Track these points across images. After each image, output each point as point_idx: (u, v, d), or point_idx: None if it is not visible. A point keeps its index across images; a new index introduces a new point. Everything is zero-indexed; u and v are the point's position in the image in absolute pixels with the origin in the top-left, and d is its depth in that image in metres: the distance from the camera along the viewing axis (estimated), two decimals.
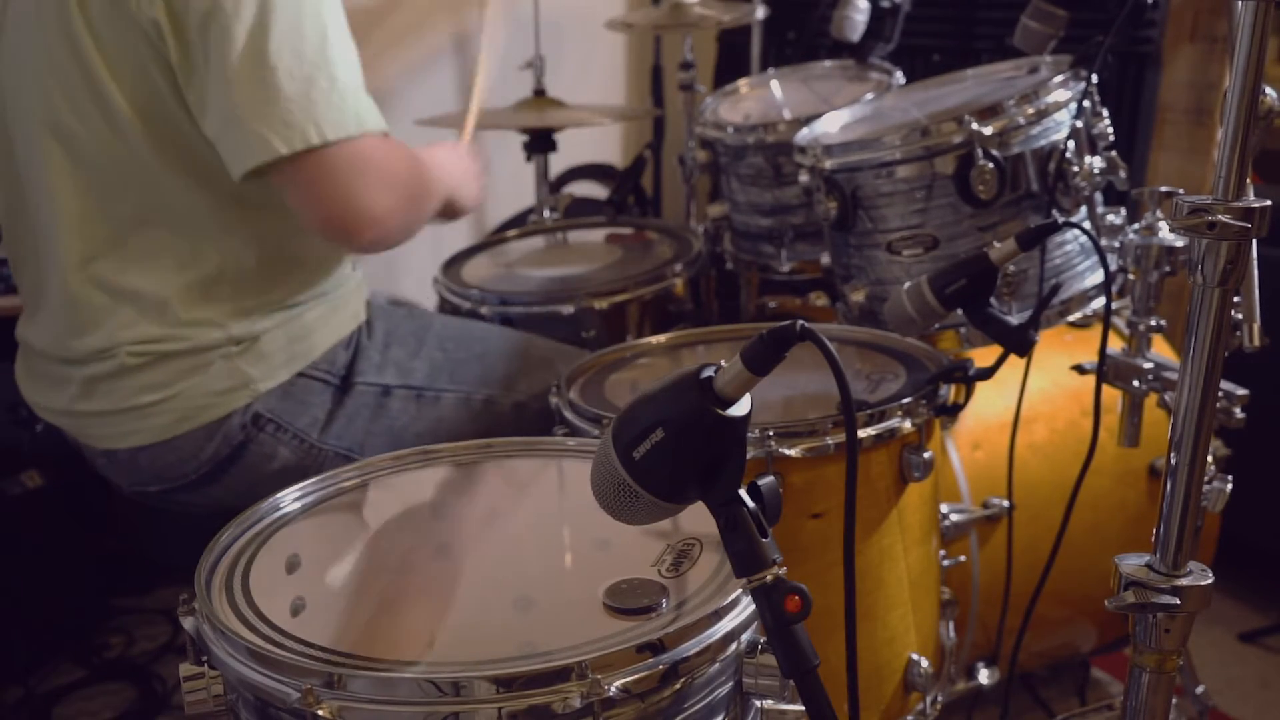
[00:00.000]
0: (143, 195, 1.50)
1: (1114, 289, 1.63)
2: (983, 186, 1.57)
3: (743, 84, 2.40)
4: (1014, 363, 1.41)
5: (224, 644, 0.96)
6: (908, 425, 1.36)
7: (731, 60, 3.19)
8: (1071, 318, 1.67)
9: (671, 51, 3.13)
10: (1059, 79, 1.63)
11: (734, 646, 0.96)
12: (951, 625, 1.58)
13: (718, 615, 0.95)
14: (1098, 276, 1.66)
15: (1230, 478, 1.52)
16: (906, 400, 1.37)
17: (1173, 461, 0.94)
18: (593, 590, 1.00)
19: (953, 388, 1.43)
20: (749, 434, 1.19)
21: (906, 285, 1.41)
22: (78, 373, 1.56)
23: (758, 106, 2.29)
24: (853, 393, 0.94)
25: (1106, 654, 2.04)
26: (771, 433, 1.30)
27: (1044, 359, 1.74)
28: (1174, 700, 1.11)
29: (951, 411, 1.44)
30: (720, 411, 0.85)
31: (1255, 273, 1.28)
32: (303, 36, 1.42)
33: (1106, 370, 1.52)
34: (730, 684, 0.97)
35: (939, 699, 1.48)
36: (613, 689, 0.88)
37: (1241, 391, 1.50)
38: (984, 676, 1.73)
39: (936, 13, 2.68)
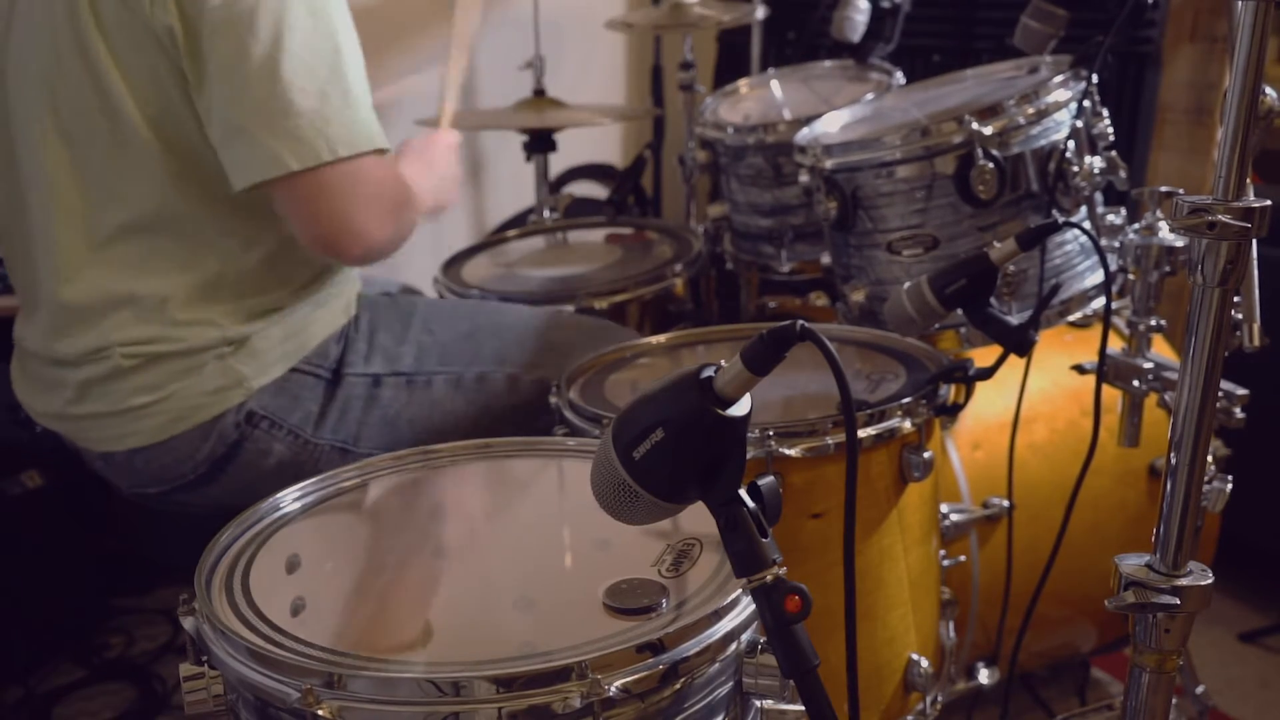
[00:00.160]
0: (145, 200, 1.50)
1: (1114, 289, 1.63)
2: (983, 186, 1.57)
3: (743, 84, 2.40)
4: (1014, 363, 1.41)
5: (224, 644, 0.96)
6: (908, 425, 1.36)
7: (731, 60, 3.19)
8: (1071, 318, 1.67)
9: (671, 51, 3.13)
10: (1059, 79, 1.63)
11: (734, 646, 0.96)
12: (951, 625, 1.58)
13: (718, 615, 0.95)
14: (1098, 276, 1.66)
15: (1230, 478, 1.52)
16: (906, 400, 1.37)
17: (1173, 461, 0.94)
18: (593, 590, 1.00)
19: (953, 388, 1.43)
20: (749, 434, 1.19)
21: (906, 285, 1.41)
22: (72, 375, 1.56)
23: (758, 106, 2.29)
24: (853, 393, 0.94)
25: (1106, 654, 2.04)
26: (771, 433, 1.30)
27: (1044, 359, 1.74)
28: (1174, 700, 1.11)
29: (951, 411, 1.44)
30: (720, 411, 0.85)
31: (1255, 273, 1.28)
32: (317, 51, 1.42)
33: (1106, 370, 1.52)
34: (730, 684, 0.97)
35: (939, 699, 1.48)
36: (613, 689, 0.88)
37: (1241, 391, 1.50)
38: (984, 676, 1.73)
39: (936, 13, 2.68)
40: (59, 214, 1.51)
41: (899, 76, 2.15)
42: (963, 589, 1.71)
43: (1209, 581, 0.95)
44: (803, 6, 2.82)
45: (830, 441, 1.32)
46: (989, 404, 1.75)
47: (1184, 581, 0.95)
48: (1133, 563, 0.97)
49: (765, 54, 2.92)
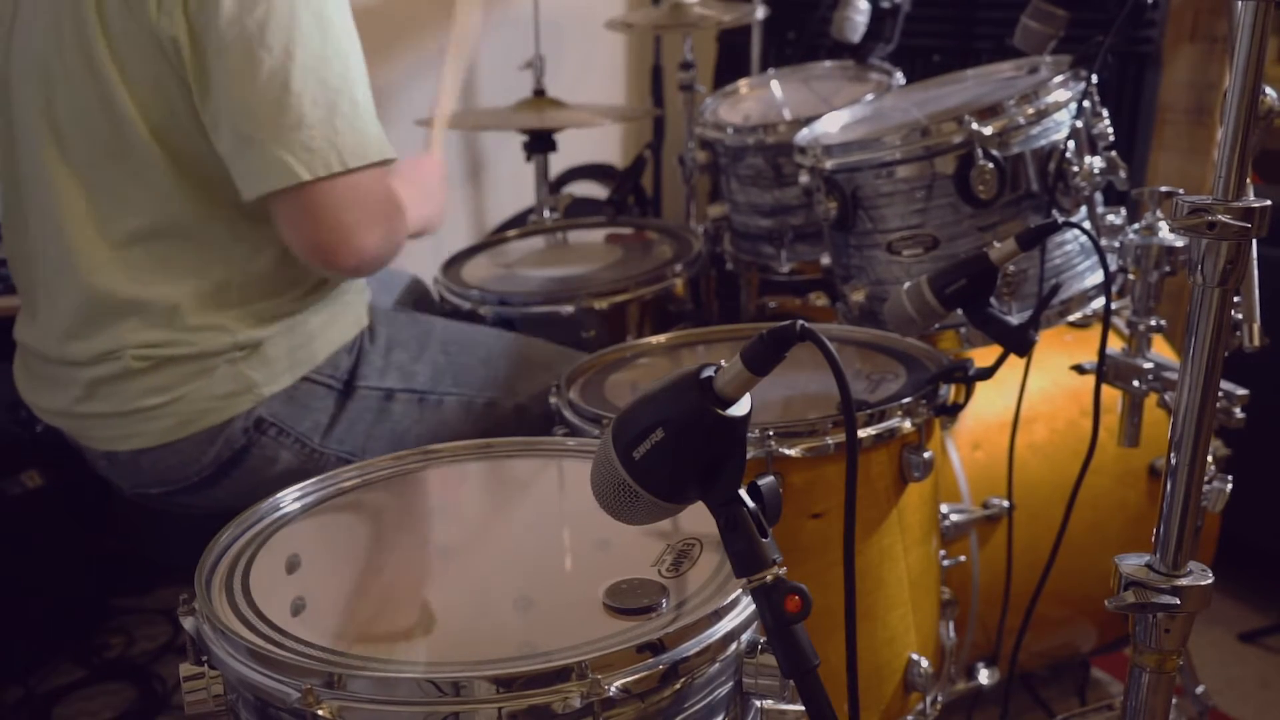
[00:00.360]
0: (152, 206, 1.50)
1: (1114, 289, 1.64)
2: (983, 186, 1.57)
3: (743, 84, 2.40)
4: (1014, 363, 1.41)
5: (224, 644, 0.96)
6: (908, 425, 1.36)
7: (731, 60, 3.19)
8: (1071, 318, 1.67)
9: (671, 51, 3.13)
10: (1059, 79, 1.63)
11: (734, 646, 0.96)
12: (951, 625, 1.58)
13: (718, 615, 0.95)
14: (1098, 276, 1.66)
15: (1230, 478, 1.52)
16: (906, 400, 1.37)
17: (1173, 461, 0.94)
18: (593, 590, 1.00)
19: (953, 388, 1.43)
20: (749, 434, 1.19)
21: (906, 285, 1.41)
22: (81, 375, 1.56)
23: (758, 107, 2.29)
24: (853, 393, 0.94)
25: (1106, 654, 2.04)
26: (771, 433, 1.30)
27: (1044, 359, 1.74)
28: (1174, 700, 1.11)
29: (951, 411, 1.44)
30: (720, 411, 0.85)
31: (1255, 273, 1.28)
32: (326, 62, 1.42)
33: (1106, 370, 1.52)
34: (730, 684, 0.97)
35: (939, 699, 1.48)
36: (613, 689, 0.88)
37: (1241, 391, 1.50)
38: (984, 676, 1.73)
39: (936, 13, 2.68)
40: (64, 219, 1.51)
41: (899, 76, 2.15)
42: (963, 589, 1.71)
43: (1209, 581, 0.95)
44: (803, 6, 2.83)
45: (830, 441, 1.32)
46: (989, 404, 1.75)
47: (1184, 581, 0.95)
48: (1133, 563, 0.97)
49: (765, 54, 2.92)
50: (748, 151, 2.09)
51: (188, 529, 1.35)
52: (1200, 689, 1.83)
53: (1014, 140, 1.60)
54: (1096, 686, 2.10)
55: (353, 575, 1.13)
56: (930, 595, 1.49)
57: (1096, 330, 1.78)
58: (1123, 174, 1.62)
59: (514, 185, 2.92)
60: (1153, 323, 1.54)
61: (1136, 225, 1.55)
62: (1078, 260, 1.65)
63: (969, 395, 1.44)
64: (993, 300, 1.38)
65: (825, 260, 2.02)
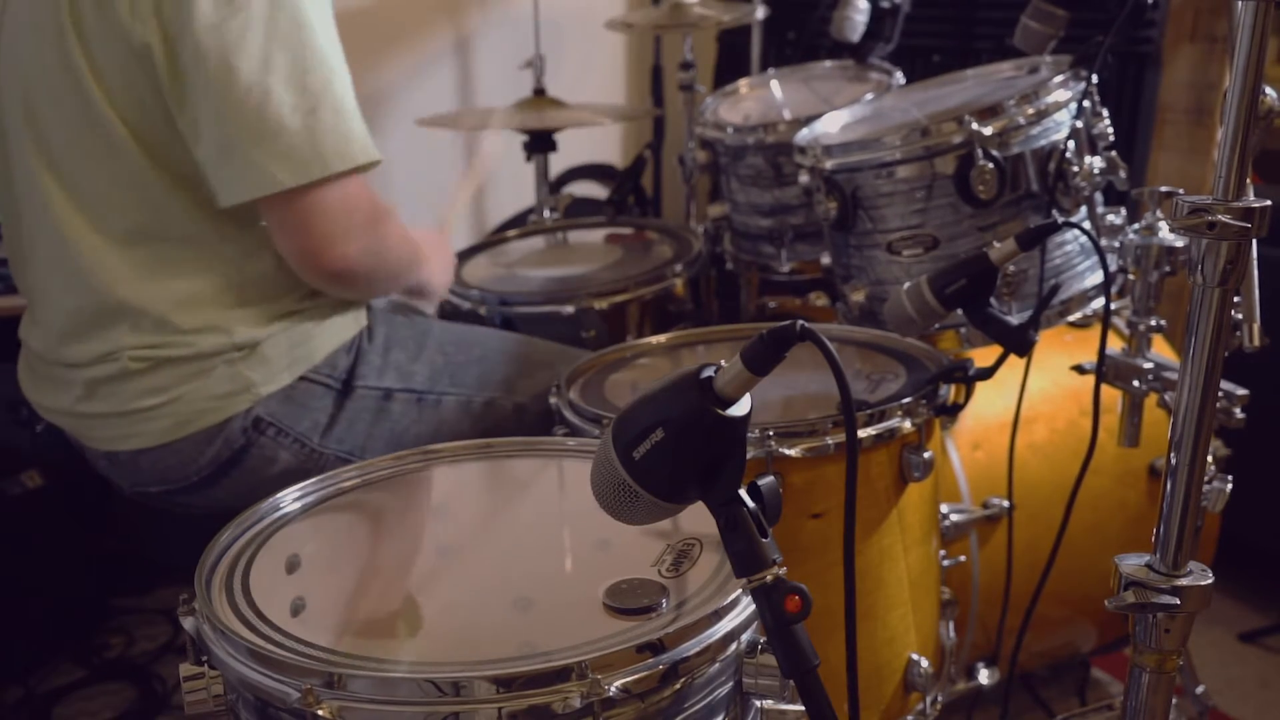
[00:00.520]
0: (141, 208, 1.49)
1: (1114, 289, 1.63)
2: (983, 186, 1.57)
3: (743, 84, 2.40)
4: (1014, 363, 1.41)
5: (224, 644, 0.96)
6: (908, 425, 1.36)
7: (731, 60, 3.19)
8: (1071, 318, 1.67)
9: (671, 51, 3.13)
10: (1059, 79, 1.63)
11: (734, 646, 0.96)
12: (951, 625, 1.58)
13: (718, 615, 0.95)
14: (1098, 276, 1.66)
15: (1230, 478, 1.52)
16: (906, 400, 1.37)
17: (1173, 461, 0.94)
18: (593, 590, 1.00)
19: (953, 388, 1.43)
20: (749, 434, 1.19)
21: (906, 285, 1.41)
22: (80, 375, 1.56)
23: (758, 107, 2.29)
24: (853, 393, 0.94)
25: (1106, 654, 2.04)
26: (771, 433, 1.30)
27: (1044, 359, 1.74)
28: (1174, 700, 1.11)
29: (951, 411, 1.44)
30: (720, 411, 0.85)
31: (1255, 273, 1.28)
32: (306, 68, 1.41)
33: (1106, 370, 1.52)
34: (730, 684, 0.97)
35: (939, 699, 1.48)
36: (613, 689, 0.88)
37: (1241, 391, 1.50)
38: (984, 676, 1.73)
39: (936, 13, 2.68)
40: (56, 222, 1.50)
41: (899, 76, 2.15)
42: (963, 589, 1.71)
43: (1209, 581, 0.95)
44: (803, 6, 2.82)
45: (830, 441, 1.32)
46: (989, 404, 1.75)
47: (1184, 581, 0.95)
48: (1133, 563, 0.97)
49: (765, 54, 2.92)
50: (748, 151, 2.09)
51: (188, 529, 1.35)
52: (1200, 689, 1.83)
53: (1014, 140, 1.60)
54: (1096, 686, 2.10)
55: (352, 575, 1.13)
56: (930, 595, 1.49)
57: (1096, 330, 1.78)
58: (1123, 174, 1.62)
59: (514, 185, 2.92)
60: (1153, 323, 1.54)
61: (1136, 225, 1.55)
62: (1078, 260, 1.65)
63: (969, 395, 1.44)
64: (993, 300, 1.38)
65: (825, 260, 2.02)
